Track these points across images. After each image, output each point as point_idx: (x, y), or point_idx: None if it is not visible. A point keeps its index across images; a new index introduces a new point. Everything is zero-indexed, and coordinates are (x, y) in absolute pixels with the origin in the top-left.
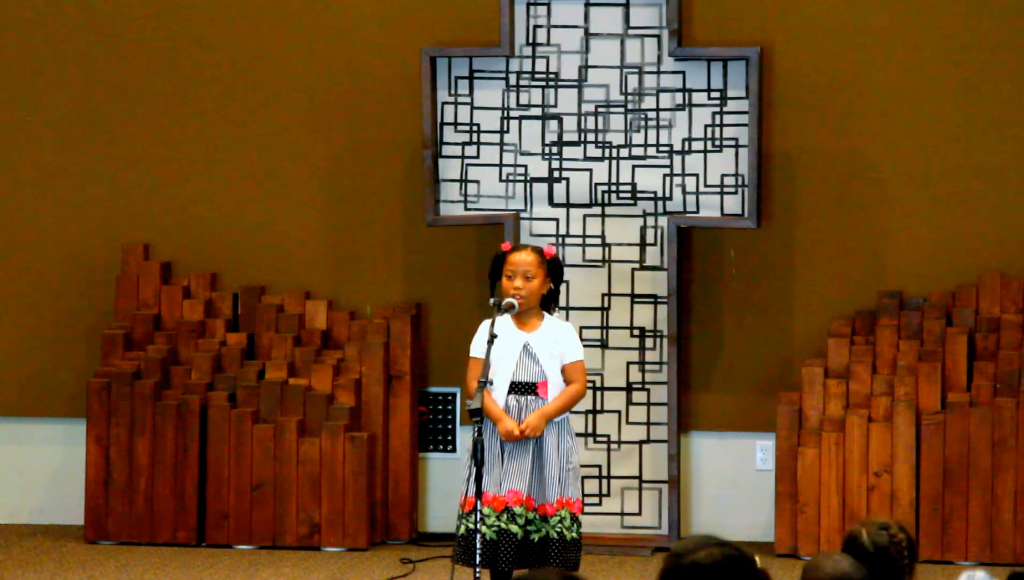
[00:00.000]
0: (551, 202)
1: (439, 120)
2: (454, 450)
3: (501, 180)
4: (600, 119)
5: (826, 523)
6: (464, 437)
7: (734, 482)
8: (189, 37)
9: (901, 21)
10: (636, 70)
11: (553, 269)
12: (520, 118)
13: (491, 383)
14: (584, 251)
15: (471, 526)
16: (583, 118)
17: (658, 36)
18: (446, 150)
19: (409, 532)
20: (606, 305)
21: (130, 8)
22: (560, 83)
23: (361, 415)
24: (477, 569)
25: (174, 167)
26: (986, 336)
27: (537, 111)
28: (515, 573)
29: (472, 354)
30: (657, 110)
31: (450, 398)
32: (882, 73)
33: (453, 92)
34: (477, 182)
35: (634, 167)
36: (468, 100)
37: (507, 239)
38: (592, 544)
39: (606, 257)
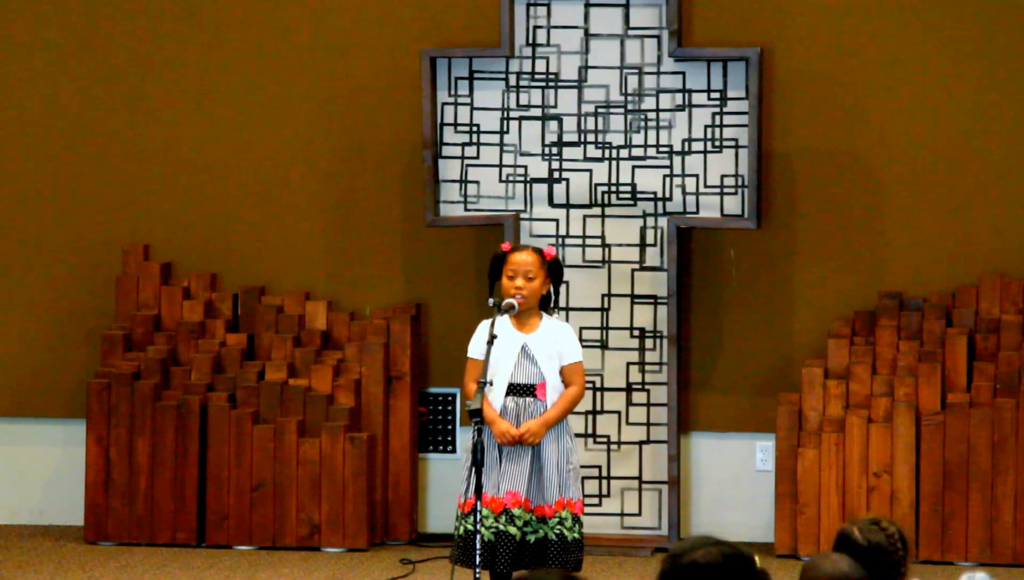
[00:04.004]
0: (551, 203)
1: (439, 120)
2: (454, 451)
3: (501, 181)
4: (600, 120)
5: (826, 524)
6: (464, 438)
7: (734, 483)
8: (189, 38)
9: (901, 22)
10: (636, 71)
11: (553, 270)
12: (520, 119)
13: (490, 384)
14: (584, 252)
15: (470, 527)
16: (583, 119)
17: (658, 37)
18: (446, 151)
19: (409, 533)
20: (606, 306)
21: (130, 9)
22: (560, 84)
23: (361, 416)
24: (477, 570)
25: (174, 167)
26: (986, 337)
27: (537, 112)
28: (514, 574)
29: (470, 355)
30: (657, 111)
31: (450, 399)
32: (882, 73)
33: (453, 93)
34: (477, 183)
35: (634, 168)
36: (468, 101)
37: (507, 240)
38: (592, 545)
39: (606, 258)
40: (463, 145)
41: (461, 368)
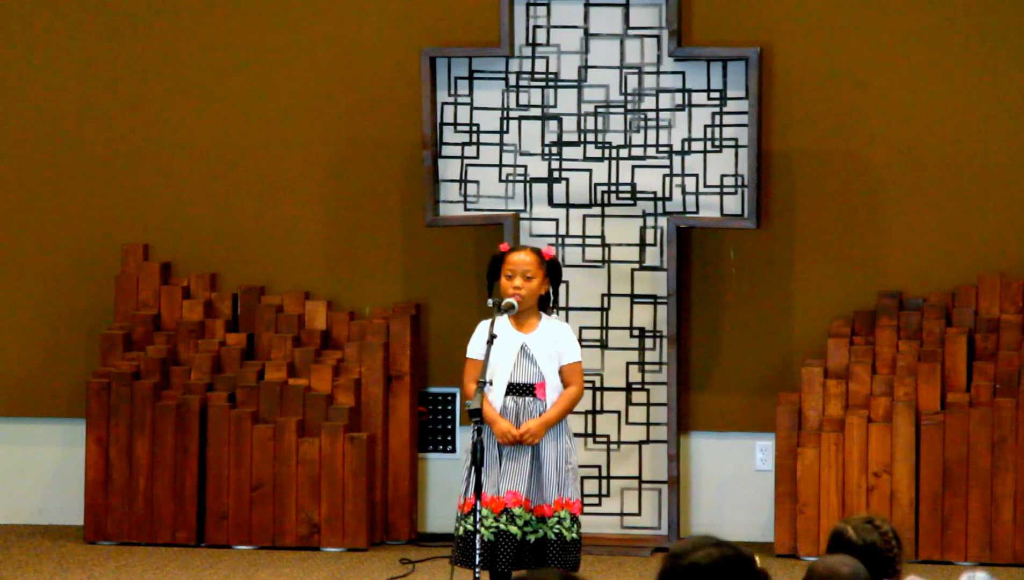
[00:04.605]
0: (551, 202)
1: (439, 120)
2: (454, 450)
3: (501, 180)
4: (600, 119)
5: (826, 523)
6: (464, 438)
7: (734, 482)
8: (189, 37)
9: (901, 21)
10: (636, 70)
11: (552, 270)
12: (520, 118)
13: (490, 383)
14: (584, 251)
15: (470, 527)
16: (583, 118)
17: (658, 36)
18: (446, 150)
19: (409, 532)
20: (606, 305)
21: (130, 8)
22: (560, 83)
23: (361, 415)
24: (477, 570)
25: (174, 167)
26: (986, 336)
27: (537, 111)
28: (513, 574)
29: (469, 355)
30: (657, 110)
31: (450, 398)
32: (882, 73)
33: (453, 92)
34: (477, 182)
35: (634, 167)
36: (468, 100)
37: (507, 239)
38: (592, 544)
39: (606, 257)
40: (463, 145)
41: (461, 368)
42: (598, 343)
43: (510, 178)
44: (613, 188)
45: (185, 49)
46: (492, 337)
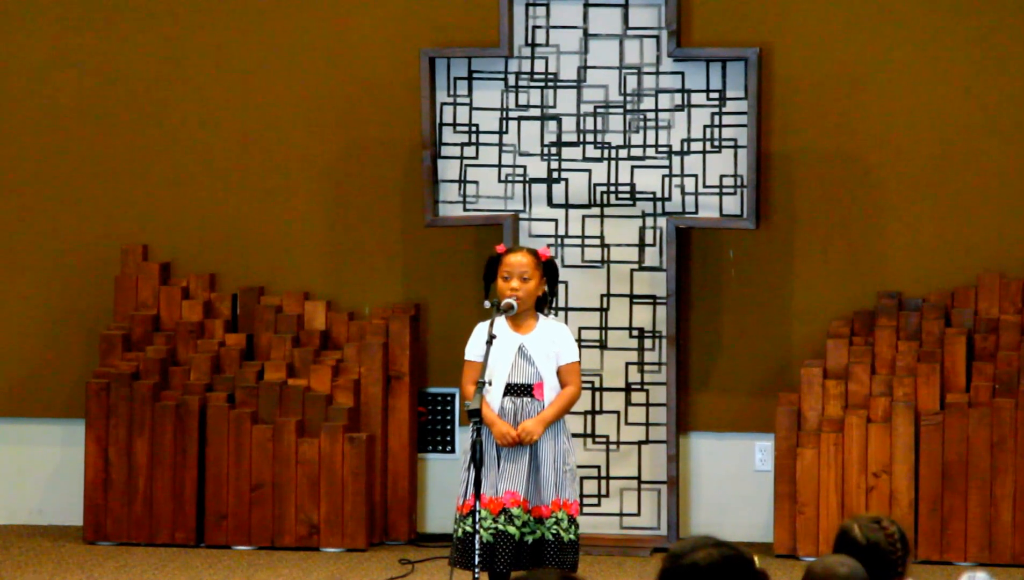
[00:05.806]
0: (550, 203)
1: (438, 121)
2: (453, 451)
3: (500, 181)
4: (599, 120)
5: (825, 524)
6: (463, 438)
7: (733, 483)
8: (189, 37)
9: (901, 22)
10: (635, 71)
11: (548, 271)
12: (519, 119)
13: (489, 383)
14: (583, 252)
15: (468, 529)
16: (582, 119)
17: (657, 37)
18: (445, 151)
19: (408, 533)
20: (605, 306)
21: (130, 8)
22: (559, 84)
23: (360, 416)
24: (476, 571)
25: (174, 167)
26: (985, 337)
27: (536, 112)
28: (512, 574)
29: (467, 357)
30: (656, 111)
31: (449, 399)
32: (882, 74)
33: (452, 93)
34: (476, 183)
35: (633, 168)
36: (467, 101)
37: (506, 240)
38: (591, 545)
39: (605, 258)
40: (462, 145)
41: (460, 368)
42: (597, 343)
43: (509, 178)
44: (612, 188)
45: (185, 49)
46: (492, 337)
